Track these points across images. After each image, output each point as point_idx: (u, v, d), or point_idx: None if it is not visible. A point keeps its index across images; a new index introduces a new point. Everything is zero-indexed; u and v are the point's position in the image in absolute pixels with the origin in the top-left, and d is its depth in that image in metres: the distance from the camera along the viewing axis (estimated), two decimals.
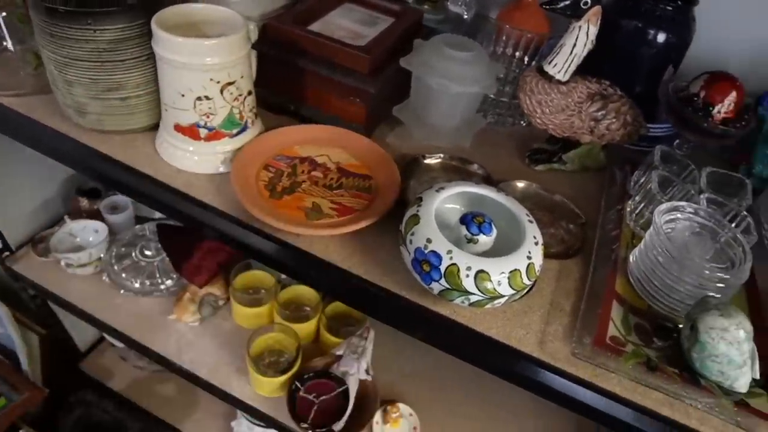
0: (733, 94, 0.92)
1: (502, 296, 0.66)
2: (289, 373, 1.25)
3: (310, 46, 0.91)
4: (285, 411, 1.22)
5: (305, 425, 1.18)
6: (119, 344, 1.76)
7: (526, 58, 1.06)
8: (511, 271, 0.66)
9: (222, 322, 1.45)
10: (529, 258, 0.68)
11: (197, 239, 1.39)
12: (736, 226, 0.81)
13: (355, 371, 1.23)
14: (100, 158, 0.85)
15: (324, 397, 1.22)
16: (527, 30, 1.02)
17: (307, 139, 0.91)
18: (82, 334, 1.86)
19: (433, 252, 0.66)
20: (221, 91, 0.78)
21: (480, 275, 0.64)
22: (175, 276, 1.44)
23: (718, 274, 0.71)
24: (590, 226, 0.90)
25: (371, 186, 0.86)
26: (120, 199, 1.55)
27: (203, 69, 0.75)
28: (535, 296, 0.77)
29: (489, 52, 1.05)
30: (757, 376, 0.67)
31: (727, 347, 0.65)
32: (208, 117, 0.80)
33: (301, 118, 0.96)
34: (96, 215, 1.52)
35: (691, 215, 0.80)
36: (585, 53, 0.87)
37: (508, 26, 1.03)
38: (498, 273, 0.65)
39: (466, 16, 1.21)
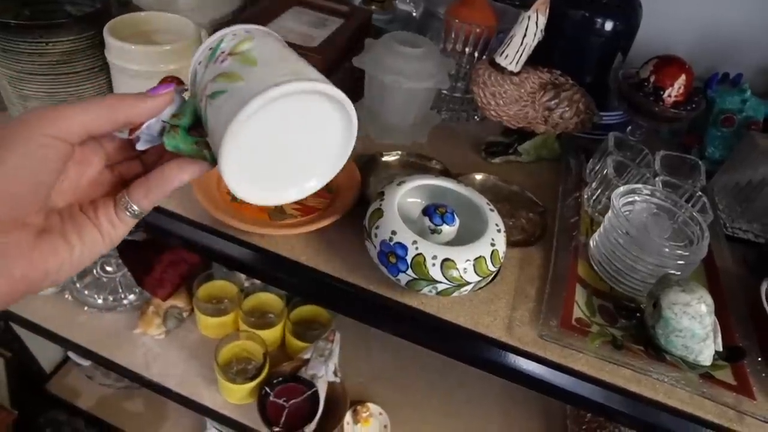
0: (683, 77, 0.94)
1: (469, 283, 0.67)
2: (258, 379, 1.25)
3: None
4: (256, 417, 1.22)
5: (277, 429, 1.18)
6: (85, 363, 1.75)
7: (476, 54, 1.07)
8: (476, 258, 0.66)
9: (188, 334, 1.44)
10: (492, 245, 0.68)
11: (158, 252, 1.37)
12: (693, 206, 0.84)
13: (323, 374, 1.23)
14: None
15: (294, 401, 1.22)
16: (475, 24, 1.03)
17: None
18: (46, 356, 1.82)
19: (399, 243, 0.66)
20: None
21: (446, 263, 0.65)
22: (137, 290, 1.42)
23: (678, 251, 0.73)
24: (549, 215, 0.91)
25: (331, 185, 0.85)
26: None
27: (160, 76, 0.74)
28: (499, 284, 0.77)
29: (439, 49, 1.07)
30: (720, 349, 0.69)
31: (690, 321, 0.66)
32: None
33: None
34: None
35: (647, 197, 0.82)
36: (535, 43, 0.89)
37: (457, 21, 1.04)
38: (463, 261, 0.66)
39: (414, 14, 1.22)
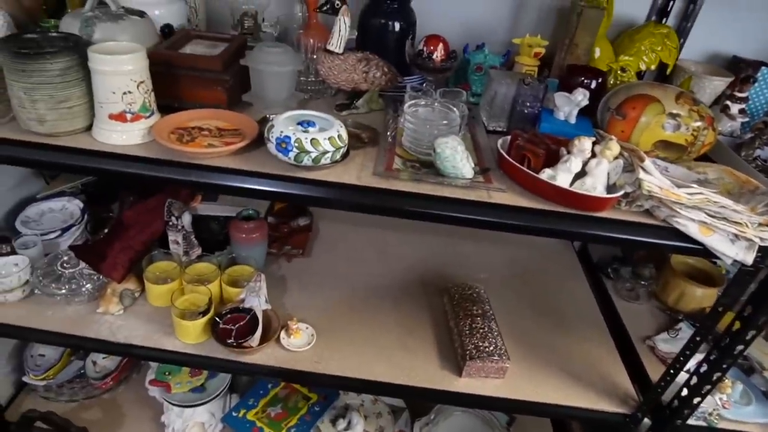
0: (441, 45, 1.55)
1: (328, 151, 1.20)
2: (208, 315, 1.63)
3: (181, 60, 1.42)
4: (213, 348, 1.61)
5: (230, 341, 1.59)
6: (39, 384, 2.08)
7: None
8: (329, 137, 1.21)
9: (142, 308, 1.77)
10: (338, 132, 1.23)
11: (108, 243, 1.77)
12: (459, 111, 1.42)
13: (257, 304, 1.65)
14: (61, 152, 1.27)
15: (239, 324, 1.62)
16: (315, 39, 1.61)
17: (193, 118, 1.39)
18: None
19: (286, 136, 1.19)
20: (138, 87, 1.26)
21: (313, 141, 1.19)
22: (95, 278, 1.77)
23: (443, 123, 1.31)
24: (380, 134, 1.47)
25: (241, 133, 1.36)
26: (29, 239, 1.85)
27: (126, 73, 1.23)
28: (351, 161, 1.31)
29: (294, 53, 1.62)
30: (473, 166, 1.26)
31: (451, 152, 1.23)
32: (131, 105, 1.26)
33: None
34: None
35: (424, 105, 1.40)
36: (347, 33, 1.46)
37: (303, 38, 1.62)
38: (323, 139, 1.20)
39: (275, 34, 1.78)
